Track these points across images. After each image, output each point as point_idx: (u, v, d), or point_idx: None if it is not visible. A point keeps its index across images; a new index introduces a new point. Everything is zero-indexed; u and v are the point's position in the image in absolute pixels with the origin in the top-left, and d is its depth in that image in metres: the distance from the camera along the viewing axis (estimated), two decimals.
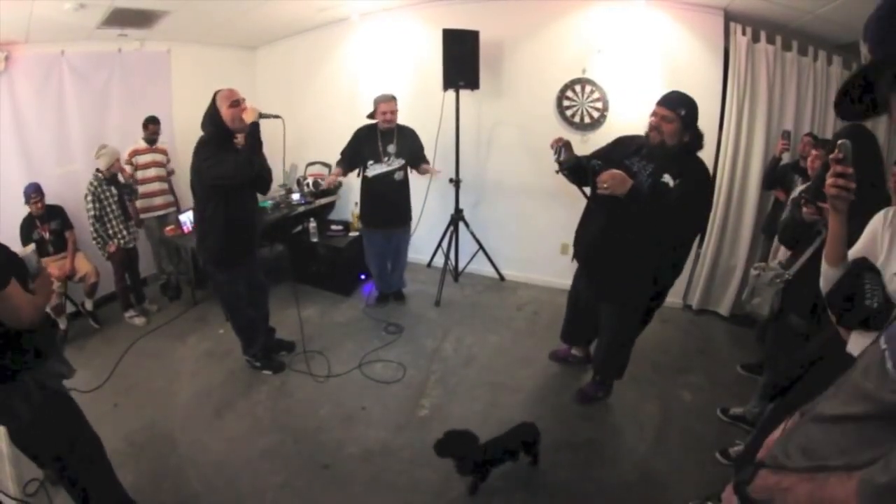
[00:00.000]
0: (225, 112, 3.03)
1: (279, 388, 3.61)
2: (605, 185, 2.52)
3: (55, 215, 4.13)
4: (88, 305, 4.36)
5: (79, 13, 3.66)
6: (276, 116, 3.15)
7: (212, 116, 3.06)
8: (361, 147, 4.22)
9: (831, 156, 1.44)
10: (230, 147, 3.07)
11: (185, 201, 4.92)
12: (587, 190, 2.85)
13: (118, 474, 2.40)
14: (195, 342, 4.20)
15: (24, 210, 4.01)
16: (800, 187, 3.07)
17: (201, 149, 3.04)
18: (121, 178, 4.43)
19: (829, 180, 1.46)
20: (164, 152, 4.88)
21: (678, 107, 2.57)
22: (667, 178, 2.61)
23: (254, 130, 3.00)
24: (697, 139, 2.63)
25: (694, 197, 2.59)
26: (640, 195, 2.54)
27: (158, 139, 4.79)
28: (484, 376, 3.75)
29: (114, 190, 4.25)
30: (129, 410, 3.34)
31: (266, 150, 3.28)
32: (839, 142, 1.43)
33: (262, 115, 3.04)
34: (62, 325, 4.08)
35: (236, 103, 3.04)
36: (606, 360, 3.29)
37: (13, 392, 1.91)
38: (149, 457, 2.93)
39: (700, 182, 2.65)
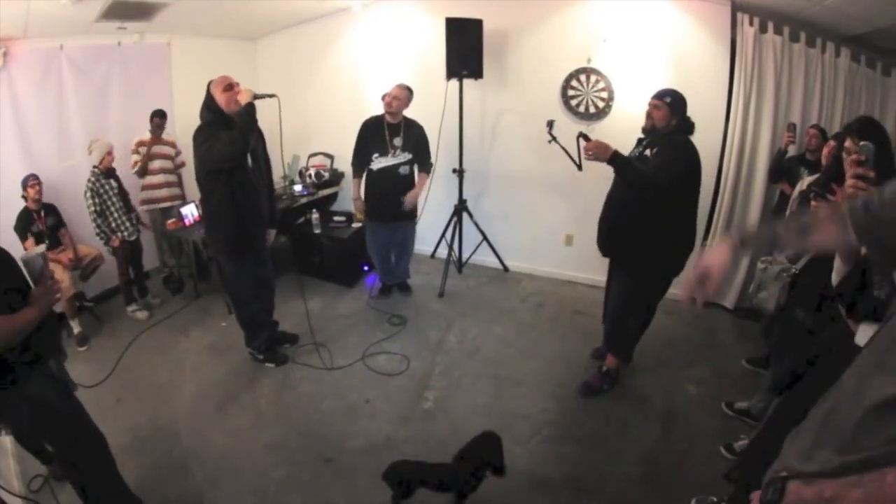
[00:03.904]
0: (220, 97, 3.05)
1: (282, 381, 3.61)
2: (590, 153, 2.84)
3: (50, 212, 4.07)
4: (79, 287, 4.33)
5: (77, 7, 3.62)
6: (272, 95, 3.17)
7: (208, 105, 3.09)
8: (368, 139, 4.18)
9: (852, 157, 1.43)
10: (225, 129, 3.05)
11: (192, 195, 4.90)
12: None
13: (122, 469, 2.40)
14: (198, 335, 4.20)
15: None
16: (807, 180, 3.04)
17: (198, 134, 3.05)
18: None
19: (850, 181, 1.45)
20: (171, 145, 4.86)
21: (664, 96, 2.92)
22: (648, 153, 2.97)
23: (249, 110, 2.99)
24: (685, 123, 2.94)
25: (669, 157, 2.83)
26: (621, 159, 2.83)
27: (164, 132, 4.77)
28: (488, 368, 3.75)
29: (113, 182, 4.23)
30: (132, 405, 3.34)
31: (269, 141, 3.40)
32: (861, 143, 1.42)
33: (256, 96, 3.05)
34: (76, 328, 4.04)
35: (230, 87, 3.06)
36: (613, 330, 3.43)
37: (6, 405, 1.90)
38: (152, 451, 2.93)
39: (674, 147, 2.86)
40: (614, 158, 2.79)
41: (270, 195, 3.66)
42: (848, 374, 1.01)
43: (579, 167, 3.41)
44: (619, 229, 3.11)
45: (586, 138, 2.95)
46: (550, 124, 3.72)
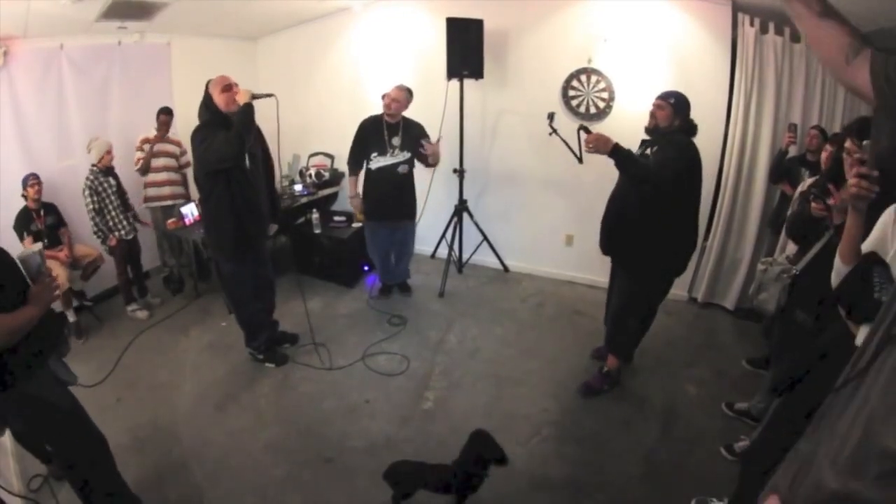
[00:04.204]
0: (218, 97, 3.05)
1: (282, 381, 3.61)
2: (590, 146, 2.82)
3: (50, 211, 4.07)
4: (79, 286, 4.33)
5: (77, 6, 3.60)
6: (269, 95, 3.16)
7: (206, 104, 3.10)
8: (367, 139, 4.16)
9: (855, 156, 1.42)
10: (223, 129, 3.04)
11: (195, 195, 4.87)
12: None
13: (122, 468, 2.40)
14: (198, 335, 4.20)
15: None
16: (807, 181, 3.05)
17: (195, 135, 3.06)
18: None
19: (853, 181, 1.44)
20: (177, 144, 4.85)
21: (669, 97, 2.94)
22: (649, 152, 3.00)
23: (247, 110, 2.98)
24: (688, 123, 2.95)
25: (669, 155, 2.83)
26: (622, 152, 2.78)
27: (170, 130, 4.77)
28: (488, 368, 3.75)
29: (111, 180, 4.23)
30: (132, 404, 3.34)
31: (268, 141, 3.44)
32: (864, 143, 1.41)
33: (254, 96, 3.05)
34: (71, 317, 4.06)
35: (228, 87, 3.06)
36: (614, 330, 3.41)
37: (6, 404, 1.90)
38: (152, 451, 2.93)
39: (676, 146, 2.87)
40: (615, 151, 2.78)
41: (271, 190, 3.66)
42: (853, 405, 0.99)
43: (580, 160, 3.39)
44: (620, 229, 3.11)
45: (587, 131, 2.93)
46: (551, 116, 3.76)
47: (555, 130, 3.71)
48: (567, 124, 4.37)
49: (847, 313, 1.69)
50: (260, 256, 3.55)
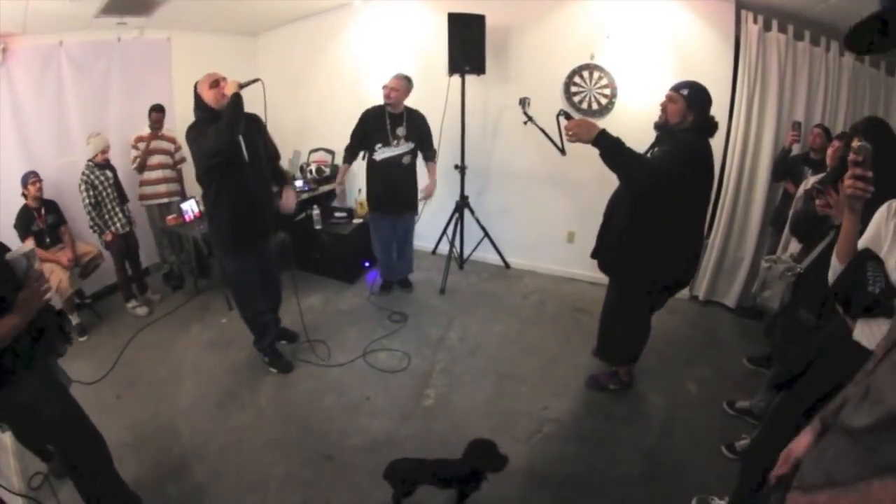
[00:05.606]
0: (207, 95, 3.02)
1: (283, 378, 3.60)
2: (570, 133, 2.53)
3: (51, 209, 4.05)
4: (77, 284, 4.29)
5: (76, 2, 3.60)
6: (255, 80, 3.11)
7: (198, 104, 3.07)
8: (369, 128, 4.15)
9: (850, 157, 1.44)
10: (213, 125, 3.00)
11: (191, 191, 4.86)
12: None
13: (122, 466, 2.41)
14: (198, 332, 4.20)
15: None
16: (811, 179, 3.02)
17: (188, 134, 3.04)
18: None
19: (848, 181, 1.46)
20: (171, 140, 4.82)
21: (682, 88, 2.64)
22: (650, 154, 2.70)
23: (235, 100, 2.94)
24: (702, 121, 2.64)
25: (669, 153, 2.57)
26: (608, 139, 2.48)
27: (163, 127, 4.74)
28: (489, 366, 3.74)
29: (108, 173, 4.22)
30: (131, 402, 3.34)
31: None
32: (858, 144, 1.42)
33: (241, 85, 3.00)
34: (74, 320, 4.05)
35: (216, 83, 3.02)
36: (602, 334, 3.33)
37: None
38: (152, 448, 2.93)
39: (680, 144, 2.59)
40: (599, 139, 2.47)
41: (274, 166, 3.60)
42: None
43: (562, 151, 3.10)
44: (608, 232, 2.96)
45: (567, 117, 2.66)
46: (523, 102, 3.33)
47: (530, 118, 3.35)
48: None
49: (844, 309, 1.70)
50: (264, 253, 3.50)
